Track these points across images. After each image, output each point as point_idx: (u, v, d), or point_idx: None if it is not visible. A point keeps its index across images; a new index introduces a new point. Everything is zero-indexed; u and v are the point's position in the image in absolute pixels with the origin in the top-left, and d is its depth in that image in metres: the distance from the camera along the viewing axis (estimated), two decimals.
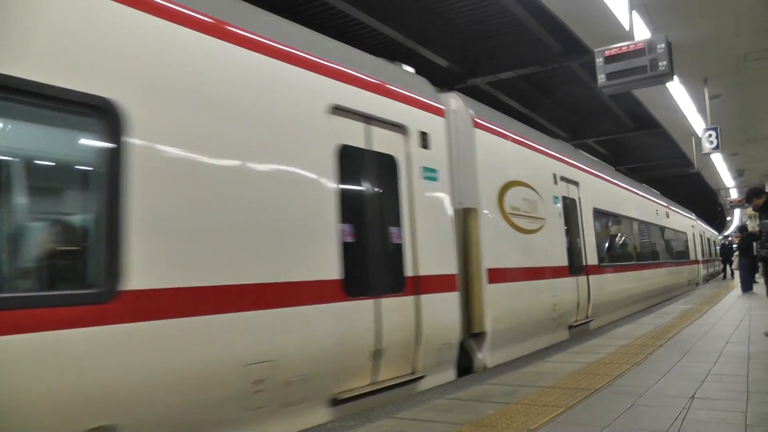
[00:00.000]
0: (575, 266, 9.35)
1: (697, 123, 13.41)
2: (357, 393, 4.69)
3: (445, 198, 6.12)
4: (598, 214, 11.07)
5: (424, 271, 5.58)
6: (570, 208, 9.65)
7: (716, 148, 11.62)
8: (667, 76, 7.42)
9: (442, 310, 5.85)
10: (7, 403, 2.73)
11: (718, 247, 34.41)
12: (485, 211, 6.77)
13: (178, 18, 3.76)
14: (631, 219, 13.86)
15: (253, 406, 3.84)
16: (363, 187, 5.20)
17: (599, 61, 7.65)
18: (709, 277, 28.99)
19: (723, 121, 12.69)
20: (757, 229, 8.33)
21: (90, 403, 2.98)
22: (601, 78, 7.66)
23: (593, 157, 14.02)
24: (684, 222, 22.03)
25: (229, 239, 3.85)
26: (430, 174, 5.85)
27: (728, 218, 47.01)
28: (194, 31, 3.86)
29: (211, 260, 3.71)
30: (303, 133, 4.56)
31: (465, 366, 6.34)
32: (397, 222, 5.47)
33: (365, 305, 4.88)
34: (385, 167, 5.44)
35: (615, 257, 12.06)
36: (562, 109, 21.20)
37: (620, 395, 4.61)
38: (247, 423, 3.82)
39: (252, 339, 3.88)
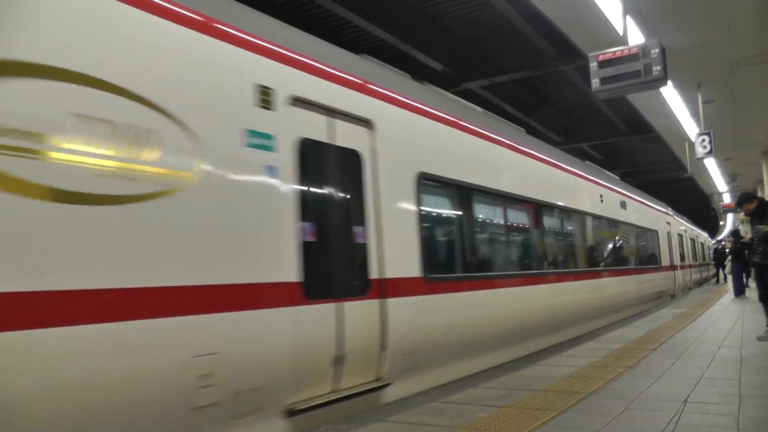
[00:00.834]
0: (333, 281, 4.82)
1: (691, 128, 13.48)
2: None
3: None
4: (436, 185, 6.55)
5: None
6: (329, 165, 5.12)
7: (709, 152, 11.67)
8: (661, 81, 7.46)
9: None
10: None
11: (711, 251, 34.38)
12: None
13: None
14: (538, 204, 9.20)
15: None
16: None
17: (593, 65, 7.68)
18: (694, 285, 25.66)
19: (716, 125, 12.76)
20: (749, 235, 8.34)
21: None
22: (595, 82, 7.69)
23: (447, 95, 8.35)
24: (653, 217, 17.24)
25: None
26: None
27: (721, 223, 47.23)
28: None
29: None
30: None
31: None
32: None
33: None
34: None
35: (485, 263, 7.63)
36: (556, 113, 21.26)
37: (613, 399, 4.61)
38: None
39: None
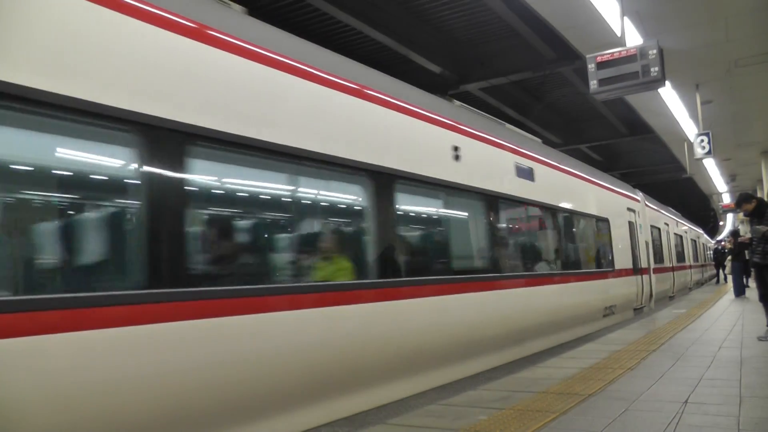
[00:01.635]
0: None
1: (690, 128, 13.48)
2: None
3: None
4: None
5: None
6: None
7: (708, 153, 11.67)
8: (659, 82, 7.46)
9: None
10: None
11: (711, 251, 34.24)
12: None
13: None
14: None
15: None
16: None
17: (591, 67, 7.68)
18: (680, 290, 20.98)
19: (715, 126, 12.76)
20: (748, 235, 8.35)
21: None
22: (593, 84, 7.69)
23: None
24: (599, 199, 12.06)
25: None
26: None
27: (721, 223, 47.26)
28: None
29: None
30: None
31: None
32: None
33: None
34: None
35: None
36: (554, 114, 21.28)
37: (613, 400, 4.60)
38: None
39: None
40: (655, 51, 7.30)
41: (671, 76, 9.43)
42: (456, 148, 6.92)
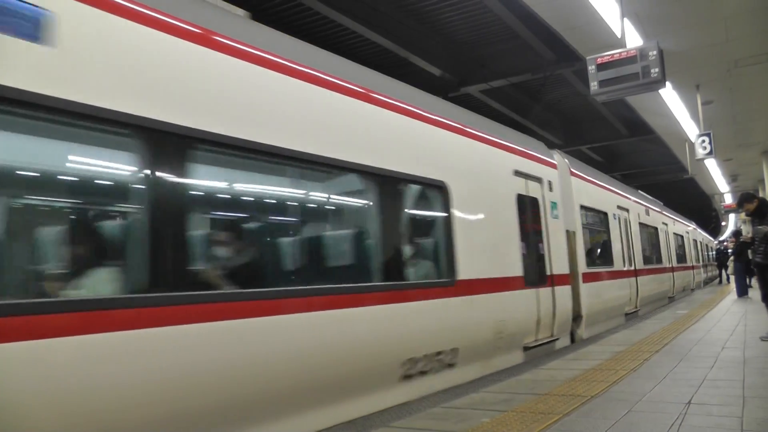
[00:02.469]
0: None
1: (691, 129, 13.48)
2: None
3: None
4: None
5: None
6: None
7: (710, 153, 11.67)
8: (659, 83, 7.47)
9: None
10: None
11: (713, 252, 34.01)
12: None
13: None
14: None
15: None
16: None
17: (591, 68, 7.70)
18: (679, 293, 19.35)
19: (716, 126, 12.77)
20: (750, 235, 8.35)
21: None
22: (594, 85, 7.70)
23: None
24: (461, 155, 6.79)
25: None
26: None
27: (723, 223, 47.19)
28: None
29: None
30: None
31: None
32: None
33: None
34: None
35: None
36: (554, 116, 21.29)
37: (616, 402, 4.60)
38: None
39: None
40: (655, 52, 7.32)
41: (672, 76, 9.45)
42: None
